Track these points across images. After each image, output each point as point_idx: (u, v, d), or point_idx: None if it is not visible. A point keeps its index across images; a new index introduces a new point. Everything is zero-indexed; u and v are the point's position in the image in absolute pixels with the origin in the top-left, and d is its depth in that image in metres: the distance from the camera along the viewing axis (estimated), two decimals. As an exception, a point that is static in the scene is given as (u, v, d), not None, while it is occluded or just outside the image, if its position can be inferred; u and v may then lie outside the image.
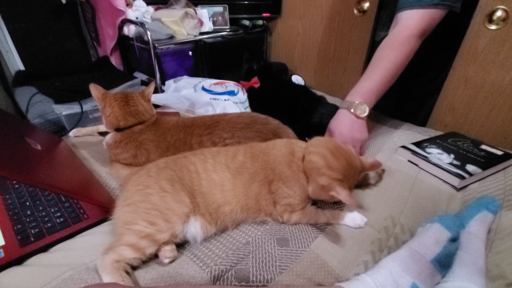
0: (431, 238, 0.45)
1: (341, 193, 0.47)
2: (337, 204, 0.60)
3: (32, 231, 0.50)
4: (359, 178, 0.59)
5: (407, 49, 0.70)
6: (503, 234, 0.51)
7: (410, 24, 0.70)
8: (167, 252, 0.46)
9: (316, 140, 0.55)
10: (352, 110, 0.72)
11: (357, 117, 0.72)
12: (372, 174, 0.64)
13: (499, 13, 0.83)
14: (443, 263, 0.44)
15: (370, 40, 1.13)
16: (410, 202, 0.61)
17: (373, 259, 0.49)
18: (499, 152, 0.73)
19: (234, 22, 1.44)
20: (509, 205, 0.57)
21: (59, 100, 0.91)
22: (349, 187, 0.50)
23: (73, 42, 1.39)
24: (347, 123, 0.72)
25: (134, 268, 0.45)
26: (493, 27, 0.85)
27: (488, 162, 0.68)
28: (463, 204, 0.60)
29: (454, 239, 0.45)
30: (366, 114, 0.72)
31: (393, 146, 0.80)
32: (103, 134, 0.72)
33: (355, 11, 1.16)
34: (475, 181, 0.66)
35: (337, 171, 0.49)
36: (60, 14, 1.30)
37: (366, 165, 0.54)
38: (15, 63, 1.25)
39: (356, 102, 0.71)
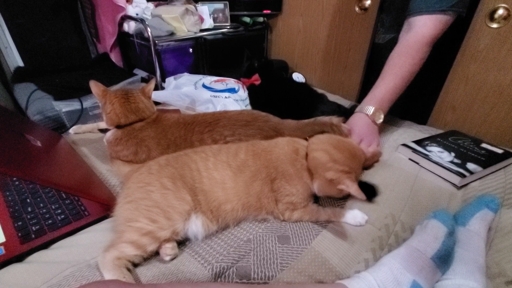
0: (430, 235, 0.45)
1: (350, 186, 0.46)
2: (338, 202, 0.60)
3: (33, 228, 0.50)
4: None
5: (421, 57, 0.72)
6: (503, 232, 0.52)
7: (424, 31, 0.71)
8: (168, 249, 0.46)
9: (317, 138, 0.55)
10: (369, 115, 0.73)
11: (374, 122, 0.74)
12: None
13: (500, 12, 0.82)
14: (443, 259, 0.44)
15: (371, 38, 1.12)
16: (411, 200, 0.61)
17: (374, 257, 0.49)
18: (500, 151, 0.73)
19: (234, 19, 1.43)
20: (509, 203, 0.57)
21: (58, 97, 0.91)
22: (355, 178, 0.50)
23: (73, 39, 1.38)
24: (364, 123, 0.73)
25: (135, 265, 0.45)
26: (494, 25, 0.84)
27: (488, 160, 0.69)
28: (464, 202, 0.60)
29: (451, 233, 0.46)
30: (381, 120, 0.74)
31: (394, 144, 0.80)
32: (103, 131, 0.72)
33: (356, 9, 1.16)
34: (476, 180, 0.66)
35: (343, 164, 0.49)
36: (59, 10, 1.29)
37: (367, 155, 0.54)
38: (14, 60, 1.24)
39: (374, 108, 0.73)
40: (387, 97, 0.74)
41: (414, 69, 0.73)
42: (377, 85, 0.76)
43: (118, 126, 0.68)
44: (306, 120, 0.72)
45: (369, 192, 0.60)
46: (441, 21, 0.70)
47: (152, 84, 0.74)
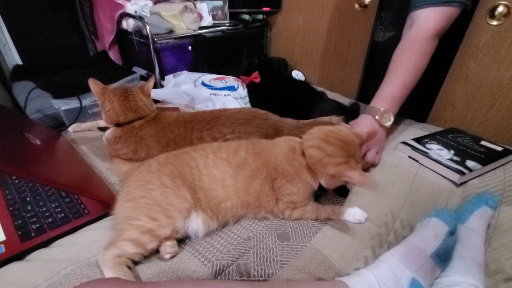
0: (430, 233, 0.46)
1: (353, 177, 0.46)
2: (338, 200, 0.61)
3: (33, 226, 0.50)
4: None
5: (426, 51, 0.70)
6: (502, 230, 0.52)
7: (428, 24, 0.69)
8: (168, 247, 0.47)
9: (308, 134, 0.55)
10: (376, 118, 0.70)
11: (381, 125, 0.71)
12: None
13: (500, 9, 0.82)
14: (443, 257, 0.44)
15: (371, 35, 1.12)
16: (410, 197, 0.61)
17: (373, 254, 0.49)
18: (499, 148, 0.73)
19: (233, 16, 1.42)
20: (508, 200, 0.57)
21: (57, 95, 0.91)
22: (357, 162, 0.50)
23: (71, 37, 1.38)
24: (367, 126, 0.70)
25: (135, 263, 0.46)
26: (494, 22, 0.84)
27: (487, 158, 0.69)
28: (463, 199, 0.61)
29: (452, 232, 0.46)
30: (390, 123, 0.71)
31: (394, 142, 0.80)
32: (102, 129, 0.72)
33: (356, 6, 1.15)
34: (475, 177, 0.66)
35: (337, 156, 0.49)
36: (57, 8, 1.29)
37: (363, 136, 0.54)
38: (13, 58, 1.24)
39: (382, 109, 0.70)
40: (395, 95, 0.71)
41: (421, 64, 0.70)
42: (383, 85, 0.73)
43: (118, 125, 0.68)
44: (306, 121, 0.72)
45: (342, 191, 0.62)
46: (445, 14, 0.68)
47: (151, 82, 0.73)
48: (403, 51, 0.72)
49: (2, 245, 0.46)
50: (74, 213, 0.53)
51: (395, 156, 0.74)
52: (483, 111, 0.94)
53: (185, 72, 1.17)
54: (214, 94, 0.99)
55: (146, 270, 0.45)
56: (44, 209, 0.54)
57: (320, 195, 0.59)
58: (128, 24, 1.20)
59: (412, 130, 0.87)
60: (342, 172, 0.47)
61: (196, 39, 1.28)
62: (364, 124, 0.72)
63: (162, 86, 1.17)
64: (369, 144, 0.70)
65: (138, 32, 1.17)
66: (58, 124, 0.89)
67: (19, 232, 0.49)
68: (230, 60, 1.41)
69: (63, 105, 0.85)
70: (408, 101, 1.01)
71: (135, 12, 1.21)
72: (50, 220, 0.52)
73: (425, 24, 0.69)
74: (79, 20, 1.37)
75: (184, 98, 1.01)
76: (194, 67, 1.32)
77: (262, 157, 0.54)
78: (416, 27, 0.71)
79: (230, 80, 1.09)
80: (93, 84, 0.68)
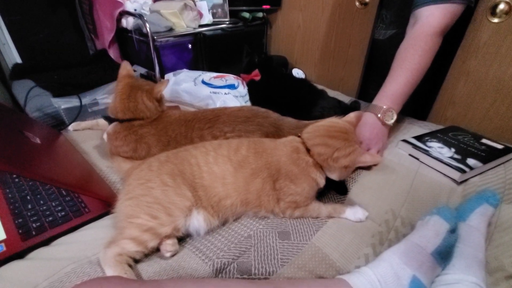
0: (431, 231, 0.46)
1: (366, 160, 0.51)
2: (339, 198, 0.61)
3: (34, 225, 0.50)
4: None
5: (431, 48, 0.69)
6: (502, 228, 0.52)
7: (431, 21, 0.69)
8: (168, 246, 0.47)
9: (307, 133, 0.55)
10: (379, 116, 0.70)
11: (383, 123, 0.71)
12: None
13: (502, 6, 0.82)
14: (443, 255, 0.44)
15: (371, 33, 1.11)
16: (411, 195, 0.61)
17: (374, 252, 0.49)
18: (500, 146, 0.73)
19: (233, 14, 1.42)
20: (509, 198, 0.57)
21: (57, 94, 0.91)
22: (360, 145, 0.54)
23: (71, 35, 1.38)
24: (369, 126, 0.71)
25: (136, 261, 0.46)
26: (495, 20, 0.84)
27: (488, 156, 0.68)
28: (464, 197, 0.61)
29: (453, 230, 0.46)
30: (393, 121, 0.71)
31: (394, 140, 0.80)
32: (107, 118, 0.71)
33: (357, 3, 1.15)
34: (476, 175, 0.66)
35: (344, 147, 0.51)
36: (56, 6, 1.28)
37: (353, 121, 0.58)
38: (12, 56, 1.23)
39: (384, 107, 0.70)
40: (398, 93, 0.71)
41: (425, 61, 0.70)
42: (386, 82, 0.73)
43: (119, 120, 0.68)
44: (307, 121, 0.72)
45: (343, 189, 0.62)
46: (448, 11, 0.68)
47: (162, 86, 0.71)
48: (407, 48, 0.72)
49: (3, 244, 0.46)
50: (75, 212, 0.53)
51: (396, 154, 0.74)
52: (484, 109, 0.94)
53: (185, 70, 1.17)
54: (214, 93, 0.99)
55: (147, 268, 0.45)
56: (44, 207, 0.54)
57: (321, 193, 0.59)
58: (128, 22, 1.20)
59: (413, 128, 0.87)
60: (355, 160, 0.51)
61: (196, 37, 1.28)
62: (366, 121, 0.72)
63: (162, 84, 1.16)
64: (370, 142, 0.70)
65: (138, 30, 1.17)
66: (58, 123, 0.88)
67: (20, 231, 0.49)
68: (230, 58, 1.40)
69: (63, 103, 0.85)
70: (409, 99, 1.01)
71: (135, 10, 1.21)
72: (50, 218, 0.52)
73: (429, 22, 0.69)
74: (79, 19, 1.37)
75: (184, 96, 1.01)
76: (194, 65, 1.32)
77: (264, 158, 0.54)
78: (420, 25, 0.70)
79: (230, 78, 1.08)
80: (122, 67, 0.71)
